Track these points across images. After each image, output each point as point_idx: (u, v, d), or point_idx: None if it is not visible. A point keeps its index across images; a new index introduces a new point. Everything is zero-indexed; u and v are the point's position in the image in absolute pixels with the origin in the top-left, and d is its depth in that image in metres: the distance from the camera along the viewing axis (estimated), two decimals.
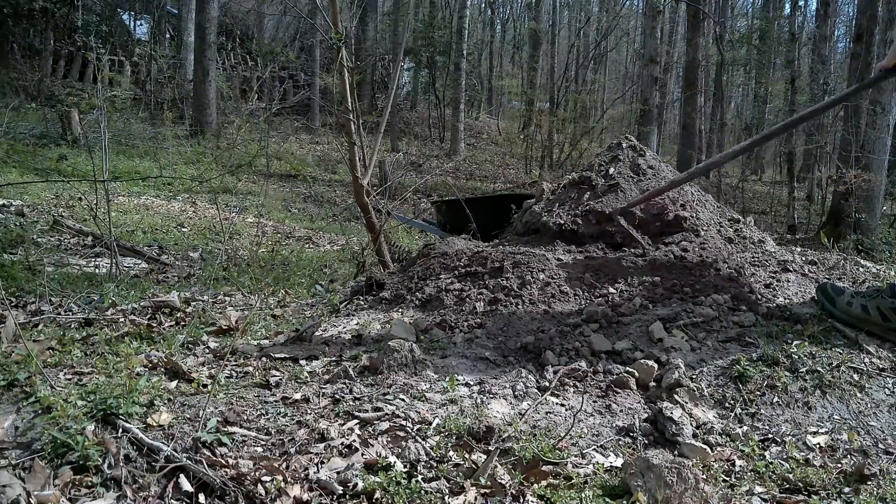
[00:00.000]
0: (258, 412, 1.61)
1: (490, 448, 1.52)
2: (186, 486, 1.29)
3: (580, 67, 20.91)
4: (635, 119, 14.21)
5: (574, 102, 18.25)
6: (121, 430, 1.39)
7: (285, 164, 12.56)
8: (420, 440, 1.53)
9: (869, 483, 1.54)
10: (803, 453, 1.66)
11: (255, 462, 1.39)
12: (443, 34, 18.92)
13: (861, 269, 2.73)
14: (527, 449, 1.54)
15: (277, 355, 1.99)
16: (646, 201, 2.06)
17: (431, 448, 1.52)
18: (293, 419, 1.59)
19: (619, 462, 1.56)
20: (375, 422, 1.60)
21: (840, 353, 1.98)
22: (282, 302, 2.92)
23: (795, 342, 2.00)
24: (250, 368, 1.89)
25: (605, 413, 1.79)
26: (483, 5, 28.32)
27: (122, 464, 1.31)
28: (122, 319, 2.29)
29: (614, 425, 1.74)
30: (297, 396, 1.70)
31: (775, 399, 1.84)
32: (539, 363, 2.01)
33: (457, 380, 1.85)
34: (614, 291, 2.32)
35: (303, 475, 1.37)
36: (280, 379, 1.80)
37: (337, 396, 1.72)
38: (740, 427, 1.75)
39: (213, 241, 5.51)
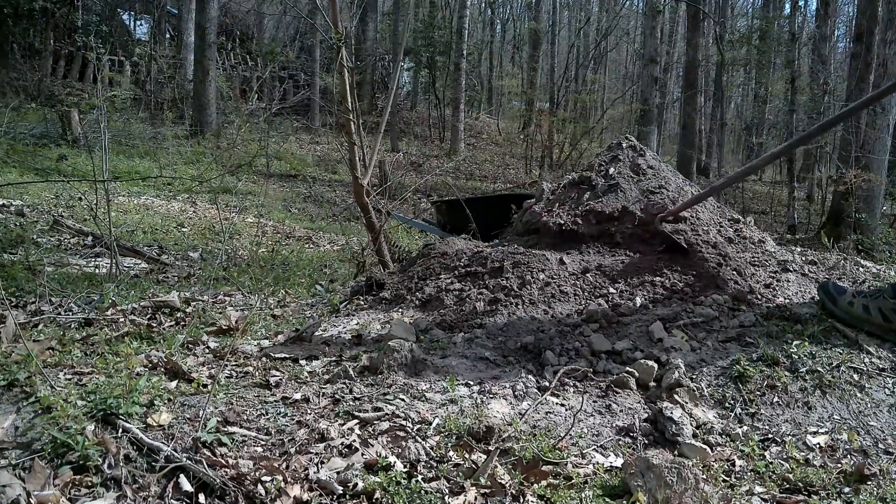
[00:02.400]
0: (258, 412, 1.61)
1: (490, 448, 1.52)
2: (186, 486, 1.29)
3: (580, 67, 20.91)
4: (635, 119, 14.22)
5: (574, 102, 18.26)
6: (121, 430, 1.39)
7: (285, 164, 12.56)
8: (420, 440, 1.53)
9: (869, 483, 1.54)
10: (803, 453, 1.66)
11: (255, 462, 1.39)
12: (443, 34, 18.91)
13: (861, 269, 2.74)
14: (527, 449, 1.54)
15: (277, 355, 1.99)
16: (690, 206, 1.97)
17: (431, 448, 1.52)
18: (293, 419, 1.59)
19: (619, 462, 1.56)
20: (375, 422, 1.60)
21: (840, 353, 1.98)
22: (282, 302, 2.92)
23: (795, 342, 2.00)
24: (250, 368, 1.89)
25: (605, 413, 1.79)
26: (483, 5, 28.31)
27: (122, 464, 1.31)
28: (122, 319, 2.29)
29: (614, 425, 1.74)
30: (297, 396, 1.71)
31: (775, 399, 1.84)
32: (539, 363, 2.01)
33: (457, 380, 1.85)
34: (614, 291, 2.32)
35: (303, 475, 1.37)
36: (280, 379, 1.80)
37: (337, 396, 1.72)
38: (740, 427, 1.75)
39: (213, 241, 5.51)
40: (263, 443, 1.48)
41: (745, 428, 1.75)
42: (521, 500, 1.38)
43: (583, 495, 1.41)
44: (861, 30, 9.61)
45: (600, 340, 2.06)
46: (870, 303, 2.04)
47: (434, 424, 1.62)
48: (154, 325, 2.28)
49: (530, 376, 1.94)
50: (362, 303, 2.64)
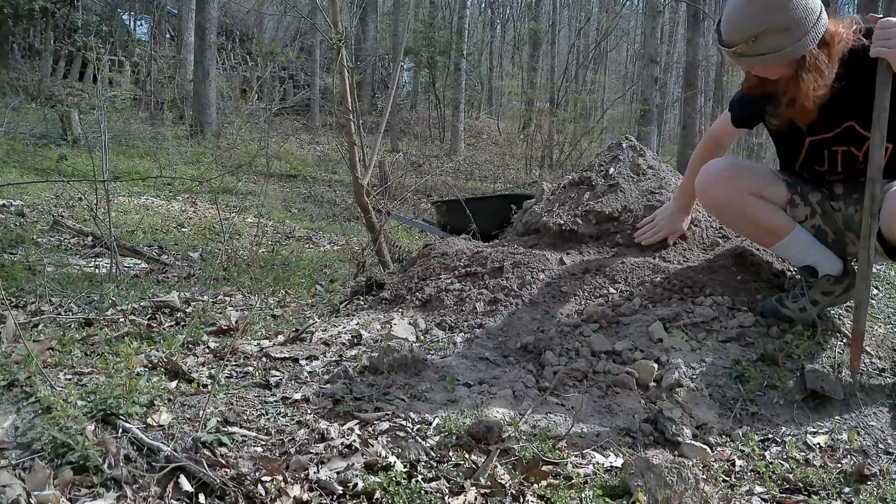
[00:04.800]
0: (258, 412, 1.61)
1: (490, 448, 1.52)
2: (186, 486, 1.29)
3: (580, 67, 20.90)
4: (635, 119, 14.21)
5: (574, 102, 18.23)
6: (121, 430, 1.39)
7: (285, 164, 12.54)
8: (420, 440, 1.53)
9: (869, 483, 1.54)
10: (803, 453, 1.66)
11: (255, 462, 1.39)
12: (443, 34, 18.90)
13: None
14: (527, 449, 1.54)
15: (277, 355, 1.99)
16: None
17: (431, 448, 1.52)
18: (293, 419, 1.59)
19: (619, 462, 1.56)
20: (375, 422, 1.60)
21: (840, 353, 1.98)
22: (282, 302, 2.92)
23: (795, 342, 2.01)
24: (250, 368, 1.89)
25: (605, 413, 1.79)
26: (483, 5, 28.32)
27: (122, 464, 1.31)
28: (122, 319, 2.29)
29: (614, 425, 1.74)
30: (297, 396, 1.71)
31: (775, 399, 1.84)
32: (539, 363, 2.01)
33: (457, 380, 1.86)
34: (614, 291, 2.32)
35: (303, 475, 1.37)
36: (280, 379, 1.80)
37: (337, 396, 1.72)
38: (740, 427, 1.76)
39: (213, 241, 5.51)
40: (263, 443, 1.48)
41: (745, 428, 1.75)
42: (521, 500, 1.38)
43: (583, 495, 1.41)
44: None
45: (600, 340, 2.06)
46: (812, 296, 2.05)
47: (434, 424, 1.62)
48: (154, 325, 2.28)
49: (530, 376, 1.94)
50: (362, 303, 2.64)
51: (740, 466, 1.60)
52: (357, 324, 2.34)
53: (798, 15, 1.76)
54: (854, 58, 1.84)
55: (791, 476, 1.55)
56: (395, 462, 1.44)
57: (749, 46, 1.81)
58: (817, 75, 1.81)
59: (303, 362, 1.97)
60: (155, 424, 1.45)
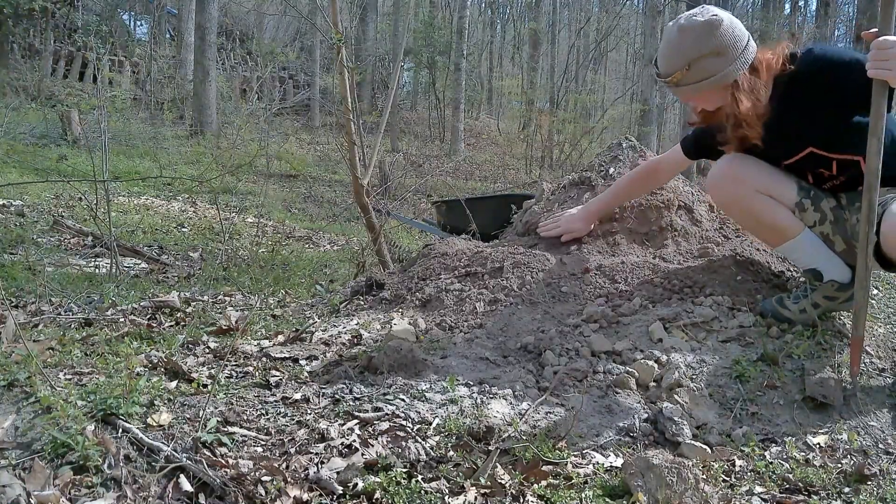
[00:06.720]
0: (258, 412, 1.61)
1: (490, 448, 1.52)
2: (186, 486, 1.29)
3: (580, 67, 20.90)
4: (635, 119, 14.22)
5: (574, 102, 18.23)
6: (121, 430, 1.39)
7: (285, 164, 12.54)
8: (420, 440, 1.53)
9: (869, 483, 1.54)
10: (803, 453, 1.66)
11: (255, 462, 1.39)
12: (443, 34, 18.90)
13: None
14: (527, 449, 1.54)
15: (277, 355, 1.99)
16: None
17: (431, 448, 1.52)
18: (293, 419, 1.59)
19: (619, 462, 1.56)
20: (375, 422, 1.60)
21: (840, 354, 1.98)
22: (282, 302, 2.92)
23: (795, 342, 2.01)
24: (250, 368, 1.89)
25: (605, 413, 1.79)
26: (483, 5, 28.32)
27: (122, 464, 1.31)
28: (122, 319, 2.29)
29: (614, 425, 1.74)
30: (297, 396, 1.71)
31: (775, 399, 1.84)
32: (539, 363, 2.01)
33: (457, 380, 1.85)
34: (614, 291, 2.32)
35: (303, 475, 1.37)
36: (280, 379, 1.80)
37: (337, 396, 1.72)
38: (740, 427, 1.76)
39: (213, 241, 5.51)
40: (263, 443, 1.48)
41: (745, 428, 1.75)
42: (521, 500, 1.38)
43: (583, 495, 1.41)
44: (861, 30, 9.59)
45: (600, 340, 2.06)
46: (813, 299, 2.06)
47: (434, 424, 1.62)
48: (154, 325, 2.28)
49: (530, 376, 1.94)
50: (362, 303, 2.64)
51: (740, 466, 1.60)
52: (357, 324, 2.34)
53: (727, 41, 1.86)
54: (776, 84, 1.93)
55: (791, 476, 1.55)
56: (395, 462, 1.44)
57: (684, 75, 1.90)
58: (754, 95, 1.90)
59: (303, 362, 1.97)
60: (155, 424, 1.45)
